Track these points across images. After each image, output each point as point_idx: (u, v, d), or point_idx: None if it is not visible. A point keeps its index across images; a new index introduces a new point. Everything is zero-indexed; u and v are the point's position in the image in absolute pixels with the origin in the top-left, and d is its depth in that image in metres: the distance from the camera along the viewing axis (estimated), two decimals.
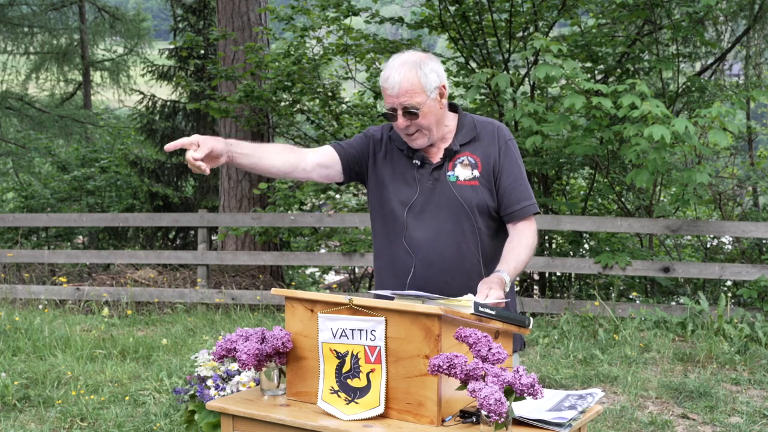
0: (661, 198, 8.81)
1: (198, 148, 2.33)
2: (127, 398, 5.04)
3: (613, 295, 7.50)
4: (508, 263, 2.45)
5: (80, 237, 12.21)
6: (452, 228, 2.54)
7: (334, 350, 2.13)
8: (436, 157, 2.59)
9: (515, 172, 2.58)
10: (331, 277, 12.18)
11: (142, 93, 12.76)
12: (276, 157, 2.56)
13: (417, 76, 2.48)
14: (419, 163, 2.59)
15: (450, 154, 2.58)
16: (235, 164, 2.49)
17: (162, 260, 8.84)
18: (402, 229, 2.57)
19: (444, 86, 2.55)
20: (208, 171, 2.35)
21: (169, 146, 2.35)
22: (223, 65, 9.46)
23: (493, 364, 1.93)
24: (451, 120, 2.63)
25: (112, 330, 7.01)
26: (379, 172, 2.65)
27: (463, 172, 2.56)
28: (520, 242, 2.52)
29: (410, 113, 2.49)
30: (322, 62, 9.30)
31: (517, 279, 2.69)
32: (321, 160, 2.63)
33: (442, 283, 2.52)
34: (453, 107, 2.67)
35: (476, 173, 2.56)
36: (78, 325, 7.11)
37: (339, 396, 2.12)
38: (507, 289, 2.39)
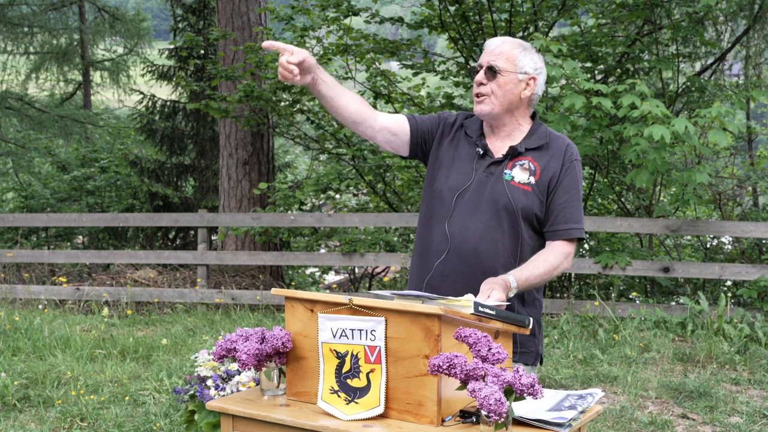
0: (661, 198, 8.81)
1: (292, 55, 2.36)
2: (127, 398, 5.04)
3: (613, 295, 7.50)
4: (522, 271, 2.42)
5: (80, 237, 12.22)
6: (494, 225, 2.51)
7: (334, 350, 2.13)
8: (500, 152, 2.58)
9: (571, 193, 2.54)
10: (331, 277, 12.19)
11: (142, 93, 12.76)
12: (353, 102, 2.56)
13: (516, 50, 2.56)
14: (481, 153, 2.59)
15: (513, 154, 2.56)
16: (316, 91, 2.47)
17: (162, 260, 8.84)
18: (447, 213, 2.56)
19: (534, 80, 2.57)
20: (298, 79, 2.37)
21: (267, 44, 2.39)
22: (223, 65, 9.45)
23: (493, 364, 1.93)
24: (526, 123, 2.63)
25: (112, 330, 7.01)
26: (441, 154, 2.65)
27: (520, 174, 2.54)
28: (546, 258, 2.48)
29: (491, 71, 2.54)
30: (322, 62, 9.29)
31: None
32: (390, 125, 2.63)
33: (469, 275, 2.49)
34: (533, 116, 2.67)
35: (532, 180, 2.53)
36: (78, 325, 7.11)
37: (339, 396, 2.12)
38: (511, 294, 2.37)
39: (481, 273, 2.48)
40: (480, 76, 2.56)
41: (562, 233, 2.52)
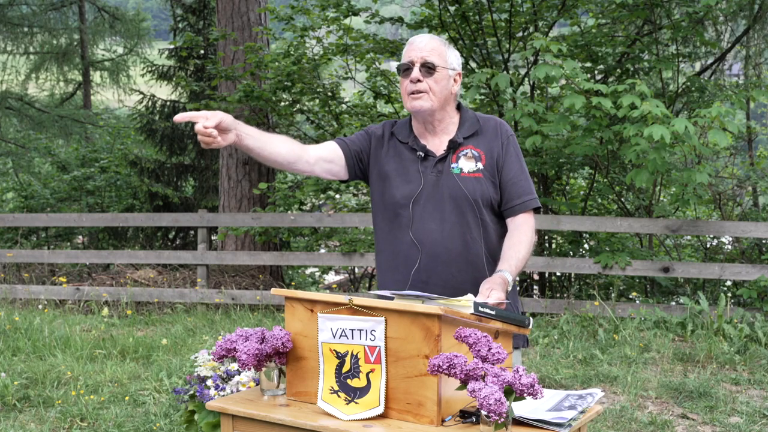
0: (661, 198, 8.81)
1: (207, 120, 2.28)
2: (127, 398, 5.04)
3: (612, 295, 7.50)
4: (510, 261, 2.45)
5: (80, 237, 12.22)
6: (457, 220, 2.54)
7: (334, 350, 2.13)
8: (440, 149, 2.60)
9: (516, 167, 2.59)
10: (331, 277, 12.19)
11: (141, 93, 12.76)
12: (281, 145, 2.53)
13: (443, 47, 2.60)
14: (423, 155, 2.60)
15: (454, 146, 2.59)
16: (242, 145, 2.41)
17: (162, 260, 8.84)
18: (408, 222, 2.57)
19: (460, 75, 2.64)
20: (220, 141, 2.30)
21: (179, 117, 2.30)
22: (223, 65, 9.46)
23: (493, 364, 1.93)
24: (456, 115, 2.66)
25: (112, 330, 7.01)
26: (381, 168, 2.65)
27: (466, 164, 2.57)
28: (520, 239, 2.52)
29: (428, 68, 2.55)
30: (321, 62, 9.30)
31: (518, 279, 2.69)
32: (324, 154, 2.62)
33: (447, 275, 2.53)
34: (458, 106, 2.70)
35: (480, 165, 2.57)
36: (78, 325, 7.11)
37: (339, 396, 2.12)
38: (509, 289, 2.39)
39: (456, 270, 2.53)
40: (416, 73, 2.56)
41: (519, 207, 2.57)
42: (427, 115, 2.60)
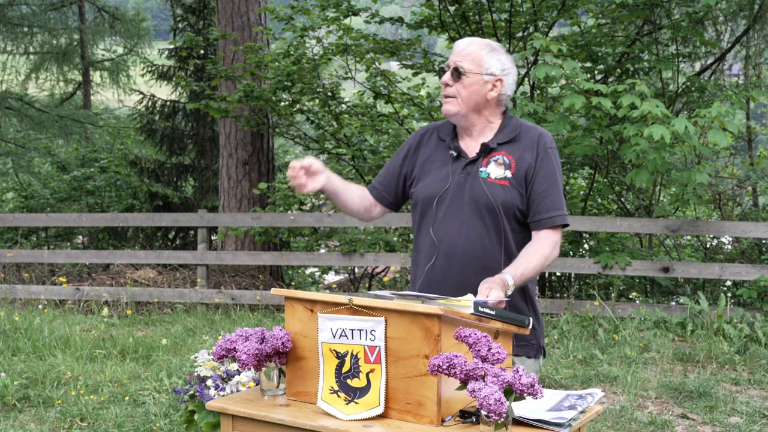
0: (661, 198, 8.81)
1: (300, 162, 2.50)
2: (126, 398, 5.04)
3: (612, 295, 7.50)
4: (516, 267, 2.43)
5: (80, 237, 12.22)
6: (477, 224, 2.54)
7: (334, 350, 2.13)
8: (473, 152, 2.60)
9: (550, 181, 2.55)
10: (331, 277, 12.18)
11: (141, 93, 12.76)
12: (355, 199, 2.73)
13: (482, 52, 2.58)
14: (455, 155, 2.61)
15: (486, 151, 2.58)
16: (327, 190, 2.62)
17: (162, 260, 8.84)
18: (431, 220, 2.60)
19: (501, 81, 2.59)
20: (309, 184, 2.50)
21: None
22: (223, 65, 9.45)
23: (493, 364, 1.93)
24: (497, 120, 2.64)
25: (112, 330, 7.01)
26: (419, 167, 2.69)
27: (495, 170, 2.56)
28: (536, 250, 2.49)
29: (457, 73, 2.57)
30: (321, 62, 9.30)
31: (537, 287, 2.70)
32: (387, 201, 2.79)
33: (461, 276, 2.52)
34: (504, 111, 2.68)
35: (508, 174, 2.55)
36: (78, 325, 7.11)
37: (339, 396, 2.12)
38: (509, 292, 2.37)
39: (472, 273, 2.51)
40: (446, 77, 2.60)
41: (546, 221, 2.53)
42: (459, 120, 2.62)
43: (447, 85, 2.59)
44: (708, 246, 9.13)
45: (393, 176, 2.76)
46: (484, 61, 2.57)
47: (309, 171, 2.50)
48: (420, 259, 2.63)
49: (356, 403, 2.09)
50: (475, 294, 2.31)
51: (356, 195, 2.73)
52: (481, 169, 2.56)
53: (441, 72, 2.63)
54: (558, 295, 8.57)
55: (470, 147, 2.62)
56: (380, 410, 2.06)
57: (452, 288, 2.49)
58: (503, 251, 2.54)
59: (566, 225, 2.58)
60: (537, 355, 2.64)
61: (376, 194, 2.78)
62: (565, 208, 2.57)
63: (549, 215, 2.53)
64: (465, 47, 2.60)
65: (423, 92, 9.51)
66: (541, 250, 2.49)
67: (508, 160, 2.56)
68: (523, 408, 2.05)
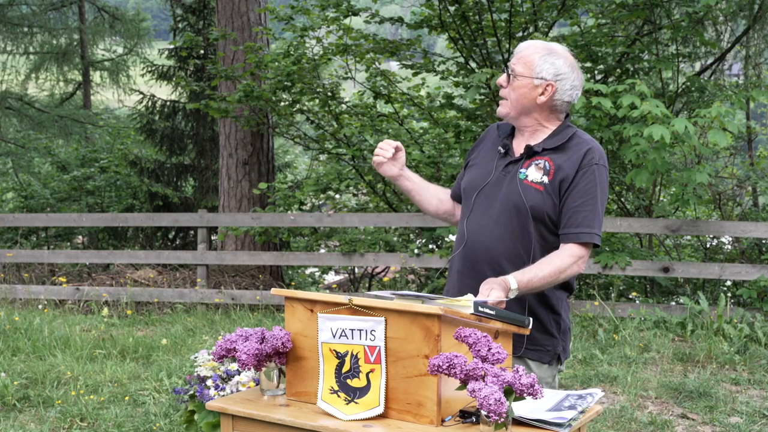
0: (661, 198, 8.81)
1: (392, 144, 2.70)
2: (126, 398, 5.04)
3: (612, 295, 7.50)
4: (525, 273, 2.40)
5: (80, 237, 12.22)
6: (505, 222, 2.53)
7: (334, 350, 2.13)
8: (520, 152, 2.61)
9: (587, 197, 2.49)
10: (331, 277, 12.18)
11: (141, 93, 12.75)
12: (432, 199, 2.84)
13: (536, 55, 2.57)
14: (503, 152, 2.62)
15: (530, 153, 2.57)
16: (401, 185, 2.77)
17: (162, 260, 8.84)
18: (468, 211, 2.63)
19: (552, 86, 2.55)
20: (388, 165, 2.70)
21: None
22: (223, 65, 9.45)
23: (493, 364, 1.93)
24: (552, 125, 2.62)
25: (112, 330, 7.01)
26: (473, 158, 2.75)
27: (534, 173, 2.54)
28: (552, 260, 2.45)
29: (508, 75, 2.59)
30: (321, 62, 9.30)
31: (568, 294, 2.67)
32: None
33: (480, 272, 2.51)
34: (566, 117, 2.67)
35: (545, 179, 2.51)
36: (78, 325, 7.11)
37: (339, 396, 2.12)
38: (511, 295, 2.36)
39: (491, 271, 2.50)
40: (501, 79, 2.62)
41: (572, 237, 2.48)
42: (510, 121, 2.64)
43: (502, 86, 2.61)
44: (708, 246, 9.13)
45: (461, 174, 2.81)
46: (536, 65, 2.55)
47: (394, 156, 2.69)
48: (456, 245, 2.68)
49: (356, 403, 2.09)
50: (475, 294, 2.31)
51: (433, 197, 2.82)
52: (521, 170, 2.55)
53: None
54: None
55: (519, 147, 2.62)
56: (380, 410, 2.06)
57: (472, 280, 2.49)
58: (526, 255, 2.50)
59: (597, 245, 2.52)
60: (551, 361, 2.60)
61: (453, 194, 2.83)
62: (596, 227, 2.50)
63: (577, 231, 2.48)
64: (523, 50, 2.60)
65: (423, 92, 9.51)
66: (557, 261, 2.45)
67: (549, 166, 2.53)
68: (523, 408, 2.05)
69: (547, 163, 2.54)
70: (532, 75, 2.55)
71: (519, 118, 2.61)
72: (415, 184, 2.78)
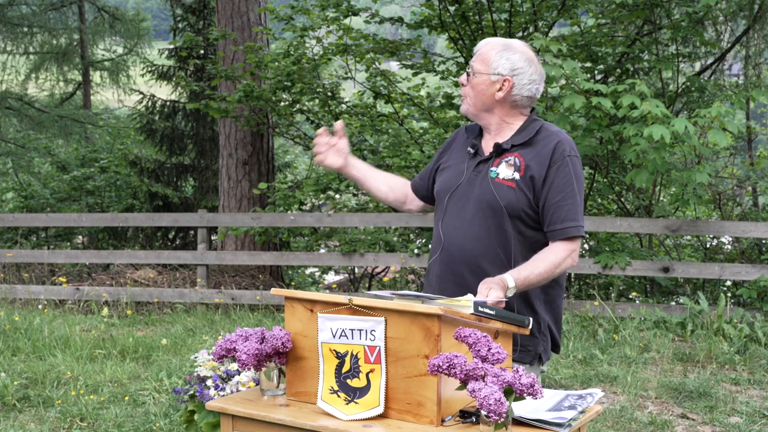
0: (661, 198, 8.81)
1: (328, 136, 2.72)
2: (126, 398, 5.04)
3: (612, 295, 7.50)
4: (520, 270, 2.41)
5: (80, 237, 12.22)
6: (480, 222, 2.53)
7: (334, 350, 2.13)
8: (490, 151, 2.61)
9: (566, 191, 2.49)
10: (331, 277, 12.19)
11: (141, 93, 12.75)
12: (383, 186, 2.88)
13: (492, 52, 2.59)
14: (472, 153, 2.63)
15: (499, 151, 2.58)
16: (348, 174, 2.81)
17: (162, 260, 8.84)
18: (442, 214, 2.62)
19: (509, 81, 2.56)
20: (329, 158, 2.72)
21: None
22: (223, 65, 9.45)
23: (493, 364, 1.93)
24: (517, 121, 2.62)
25: (112, 330, 7.01)
26: (443, 161, 2.75)
27: (505, 170, 2.54)
28: (546, 257, 2.46)
29: (468, 74, 2.62)
30: (321, 62, 9.30)
31: (563, 293, 2.67)
32: (423, 195, 2.87)
33: (458, 274, 2.52)
34: (531, 112, 2.67)
35: (516, 176, 2.51)
36: (78, 325, 7.11)
37: (339, 396, 2.12)
38: (509, 294, 2.36)
39: (468, 272, 2.51)
40: (462, 78, 2.64)
41: (559, 233, 2.49)
42: (472, 118, 2.66)
43: (463, 85, 2.63)
44: (708, 246, 9.13)
45: (429, 171, 2.82)
46: (492, 61, 2.56)
47: (335, 145, 2.70)
48: (431, 252, 2.68)
49: (356, 403, 2.09)
50: (474, 294, 2.31)
51: (383, 184, 2.86)
52: (491, 169, 2.55)
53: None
54: None
55: (489, 146, 2.62)
56: (380, 410, 2.06)
57: (451, 284, 2.50)
58: (503, 254, 2.50)
59: (582, 237, 2.53)
60: (533, 362, 2.58)
61: (413, 185, 2.87)
62: (580, 219, 2.51)
63: (563, 226, 2.48)
64: (481, 47, 2.61)
65: (423, 92, 9.51)
66: (551, 257, 2.45)
67: (519, 162, 2.53)
68: (523, 408, 2.05)
69: (516, 159, 2.54)
70: (489, 71, 2.57)
71: (481, 116, 2.62)
72: (362, 172, 2.82)
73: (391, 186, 2.87)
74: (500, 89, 2.57)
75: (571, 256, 2.50)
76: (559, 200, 2.49)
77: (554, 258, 2.46)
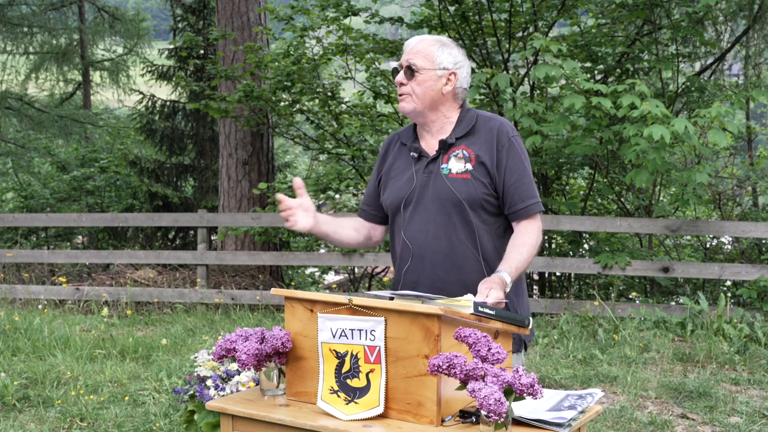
0: (661, 198, 8.81)
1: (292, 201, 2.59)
2: (126, 398, 5.04)
3: (612, 295, 7.50)
4: (510, 263, 2.44)
5: (80, 237, 12.22)
6: (443, 221, 2.54)
7: (334, 350, 2.13)
8: (433, 150, 2.61)
9: (519, 171, 2.56)
10: (331, 277, 12.19)
11: (141, 93, 12.76)
12: (351, 233, 2.77)
13: (433, 47, 2.59)
14: (416, 156, 2.62)
15: (445, 147, 2.59)
16: (318, 231, 2.67)
17: (161, 260, 8.84)
18: (402, 223, 2.61)
19: (455, 74, 2.59)
20: (299, 220, 2.57)
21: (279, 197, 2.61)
22: (223, 65, 9.45)
23: (493, 364, 1.93)
24: (455, 114, 2.64)
25: (112, 330, 7.01)
26: (384, 174, 2.72)
27: (456, 165, 2.56)
28: (524, 241, 2.51)
29: (410, 71, 2.58)
30: (321, 62, 9.30)
31: (528, 281, 2.71)
32: (382, 228, 2.82)
33: (434, 276, 2.53)
34: (462, 105, 2.69)
35: (468, 167, 2.55)
36: (77, 325, 7.11)
37: (339, 396, 2.12)
38: (508, 290, 2.38)
39: (442, 271, 2.53)
40: (400, 77, 2.61)
41: (523, 212, 2.54)
42: (416, 117, 2.63)
43: (402, 84, 2.60)
44: (708, 246, 9.13)
45: (373, 192, 2.78)
46: (436, 57, 2.58)
47: (302, 206, 2.59)
48: (397, 263, 2.66)
49: (356, 403, 2.09)
50: (474, 294, 2.31)
51: (349, 228, 2.76)
52: (442, 166, 2.57)
53: (394, 72, 2.64)
54: (558, 295, 8.57)
55: (431, 145, 2.63)
56: (380, 410, 2.06)
57: (427, 288, 2.50)
58: (474, 246, 2.54)
59: (542, 211, 2.60)
60: (519, 350, 2.63)
61: (366, 216, 2.80)
62: (538, 195, 2.59)
63: (525, 205, 2.54)
64: (416, 44, 2.61)
65: None
66: (528, 240, 2.51)
67: (467, 153, 2.56)
68: (523, 408, 2.05)
69: (464, 151, 2.57)
70: (435, 66, 2.58)
71: (425, 113, 2.61)
72: (331, 225, 2.71)
73: (356, 228, 2.79)
74: (447, 83, 2.59)
75: (539, 233, 2.57)
76: (515, 181, 2.55)
77: (530, 239, 2.52)
